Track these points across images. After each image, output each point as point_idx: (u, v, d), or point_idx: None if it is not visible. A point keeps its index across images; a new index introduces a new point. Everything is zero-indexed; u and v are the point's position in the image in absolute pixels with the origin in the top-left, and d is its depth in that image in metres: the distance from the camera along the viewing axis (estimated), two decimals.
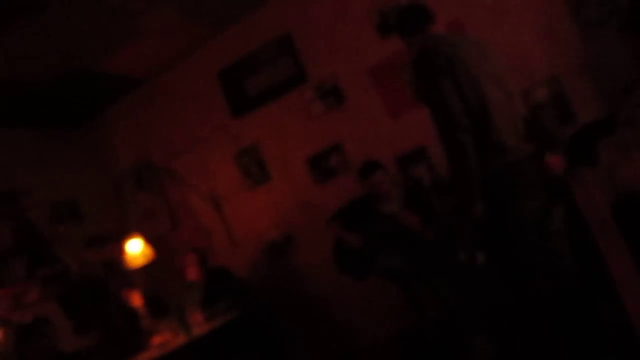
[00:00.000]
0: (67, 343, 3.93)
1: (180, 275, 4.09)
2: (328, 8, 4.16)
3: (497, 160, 2.22)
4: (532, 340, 2.23)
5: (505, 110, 2.28)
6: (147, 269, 4.27)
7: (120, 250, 4.18)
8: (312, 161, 4.29)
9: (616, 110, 2.17)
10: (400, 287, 3.30)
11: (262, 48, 4.37)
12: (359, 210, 3.42)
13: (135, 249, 4.17)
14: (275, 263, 4.45)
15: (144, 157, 4.87)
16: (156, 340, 3.52)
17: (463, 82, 2.20)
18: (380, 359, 3.98)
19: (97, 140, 5.03)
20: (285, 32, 4.30)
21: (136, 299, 4.09)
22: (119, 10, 3.50)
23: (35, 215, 4.18)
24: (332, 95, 4.20)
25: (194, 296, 3.94)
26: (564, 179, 2.15)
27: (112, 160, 5.01)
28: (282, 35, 4.31)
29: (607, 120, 2.32)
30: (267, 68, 4.38)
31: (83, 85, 4.32)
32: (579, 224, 2.08)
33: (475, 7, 3.76)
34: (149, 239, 4.31)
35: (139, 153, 4.89)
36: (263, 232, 4.47)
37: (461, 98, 2.20)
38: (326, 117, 4.23)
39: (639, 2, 2.32)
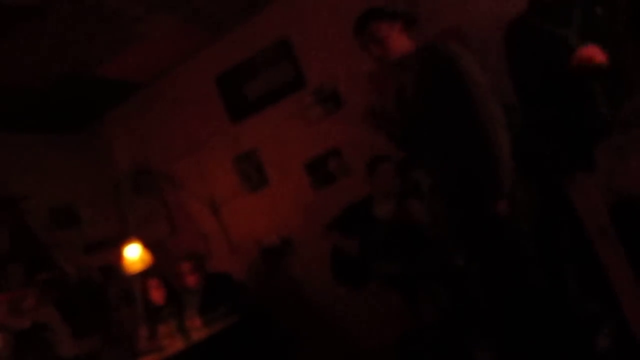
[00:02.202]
0: (66, 348, 3.93)
1: (178, 281, 4.09)
2: (326, 13, 4.17)
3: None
4: (530, 348, 2.22)
5: None
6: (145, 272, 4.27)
7: (119, 255, 4.18)
8: (310, 166, 4.29)
9: (613, 114, 2.17)
10: (399, 293, 3.30)
11: (261, 53, 4.38)
12: (355, 217, 3.43)
13: (134, 254, 4.15)
14: (273, 268, 4.44)
15: (143, 161, 4.87)
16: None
17: None
18: None
19: (96, 145, 5.03)
20: (284, 37, 4.31)
21: (158, 294, 4.10)
22: (118, 16, 3.50)
23: (33, 220, 4.17)
24: (330, 100, 4.20)
25: (192, 301, 3.93)
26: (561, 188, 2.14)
27: (110, 165, 5.01)
28: (280, 40, 4.32)
29: (603, 125, 2.32)
30: (265, 73, 4.38)
31: (82, 90, 4.33)
32: (577, 229, 2.08)
33: (473, 13, 3.77)
34: (148, 244, 4.30)
35: (137, 158, 4.89)
36: (261, 237, 4.47)
37: None
38: (325, 122, 4.23)
39: (637, 6, 2.33)
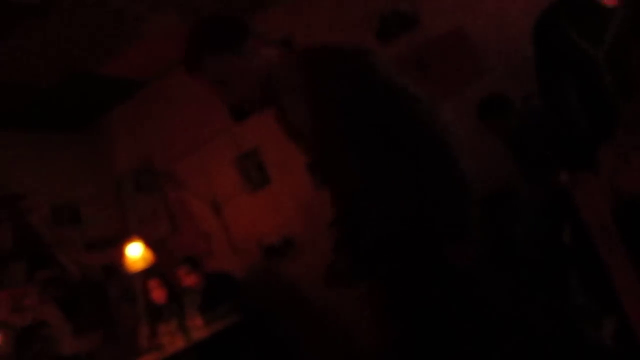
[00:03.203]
0: (67, 346, 3.93)
1: (178, 283, 4.10)
2: (327, 13, 4.17)
3: None
4: (530, 346, 2.22)
5: None
6: (146, 272, 4.27)
7: (120, 254, 4.18)
8: (312, 165, 4.29)
9: (616, 115, 2.17)
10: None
11: None
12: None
13: (135, 252, 4.17)
14: (275, 267, 4.44)
15: (145, 160, 4.87)
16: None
17: None
18: None
19: (98, 143, 5.03)
20: (285, 37, 4.30)
21: (159, 294, 4.10)
22: (121, 14, 3.51)
23: (35, 218, 4.17)
24: None
25: (193, 300, 3.94)
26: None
27: (112, 163, 5.01)
28: (282, 40, 4.31)
29: (606, 125, 2.33)
30: None
31: (84, 88, 4.33)
32: (579, 229, 2.07)
33: (477, 13, 3.77)
34: (149, 243, 4.31)
35: (139, 156, 4.89)
36: (263, 236, 4.46)
37: None
38: None
39: (638, 8, 2.33)
